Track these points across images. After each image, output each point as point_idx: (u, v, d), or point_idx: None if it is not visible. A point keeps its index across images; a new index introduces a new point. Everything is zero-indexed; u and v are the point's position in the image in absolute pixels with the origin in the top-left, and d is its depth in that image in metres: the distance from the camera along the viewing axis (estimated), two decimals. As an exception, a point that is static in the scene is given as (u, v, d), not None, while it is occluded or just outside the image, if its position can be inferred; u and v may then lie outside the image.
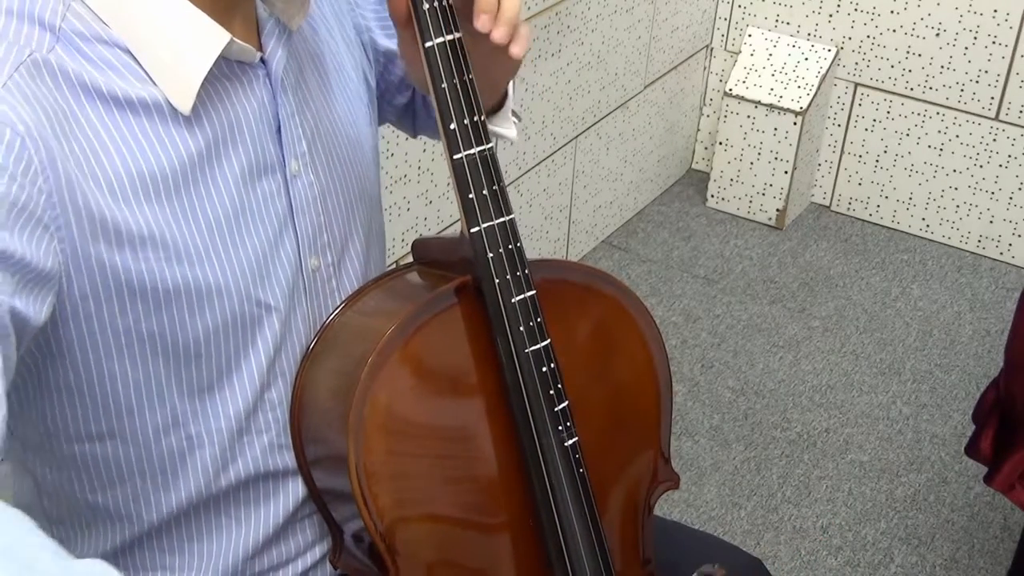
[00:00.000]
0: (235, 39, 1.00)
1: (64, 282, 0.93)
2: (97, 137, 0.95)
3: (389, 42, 1.26)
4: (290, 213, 1.09)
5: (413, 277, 1.17)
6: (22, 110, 0.89)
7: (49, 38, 0.93)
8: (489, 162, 1.07)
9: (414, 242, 1.19)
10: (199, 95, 0.99)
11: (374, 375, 1.04)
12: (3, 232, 0.85)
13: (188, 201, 1.00)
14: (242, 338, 1.06)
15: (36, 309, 0.89)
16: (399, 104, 1.34)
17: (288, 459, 1.13)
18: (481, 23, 1.07)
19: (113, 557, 1.11)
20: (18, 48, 0.91)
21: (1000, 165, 3.06)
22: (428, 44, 1.05)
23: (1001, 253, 3.15)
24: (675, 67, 3.20)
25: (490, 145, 1.07)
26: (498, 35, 1.07)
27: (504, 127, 1.25)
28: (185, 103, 0.98)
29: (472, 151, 1.06)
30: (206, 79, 0.98)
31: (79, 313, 0.96)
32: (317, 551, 1.19)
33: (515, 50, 1.10)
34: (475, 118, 1.06)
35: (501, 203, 1.08)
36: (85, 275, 0.94)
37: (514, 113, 1.26)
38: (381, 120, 1.33)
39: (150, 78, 0.97)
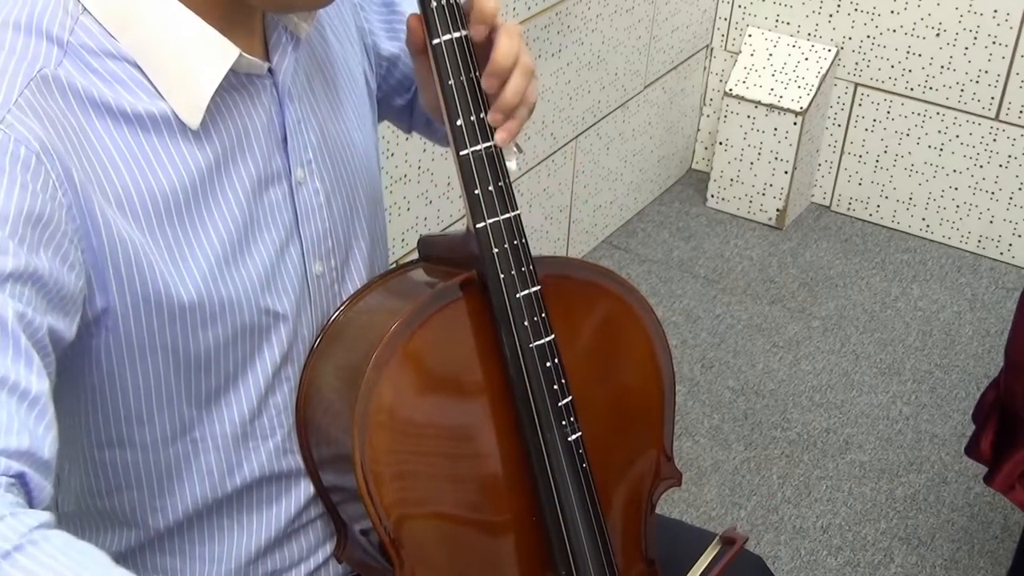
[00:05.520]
0: (244, 54, 0.99)
1: (88, 294, 0.94)
2: (107, 154, 0.94)
3: (391, 46, 1.26)
4: (295, 221, 1.09)
5: (418, 273, 1.17)
6: (35, 127, 0.89)
7: (57, 52, 0.93)
8: (495, 158, 1.07)
9: (419, 239, 1.19)
10: (207, 109, 0.98)
11: (379, 370, 1.04)
12: (31, 253, 0.86)
13: (198, 218, 1.00)
14: (250, 346, 1.06)
15: (66, 325, 0.91)
16: (398, 105, 1.34)
17: (294, 462, 1.13)
18: (487, 84, 1.07)
19: (121, 560, 1.11)
20: (27, 64, 0.91)
21: (1000, 165, 3.07)
22: (436, 41, 1.05)
23: (1001, 253, 3.15)
24: (675, 67, 3.20)
25: (496, 141, 1.07)
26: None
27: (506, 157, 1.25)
28: (194, 118, 0.98)
29: (478, 147, 1.07)
30: (214, 93, 0.98)
31: (100, 324, 0.96)
32: (320, 555, 1.19)
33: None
34: (481, 115, 1.06)
35: (507, 199, 1.08)
36: (105, 287, 0.95)
37: (516, 145, 1.26)
38: (378, 118, 1.33)
39: (158, 92, 0.97)
